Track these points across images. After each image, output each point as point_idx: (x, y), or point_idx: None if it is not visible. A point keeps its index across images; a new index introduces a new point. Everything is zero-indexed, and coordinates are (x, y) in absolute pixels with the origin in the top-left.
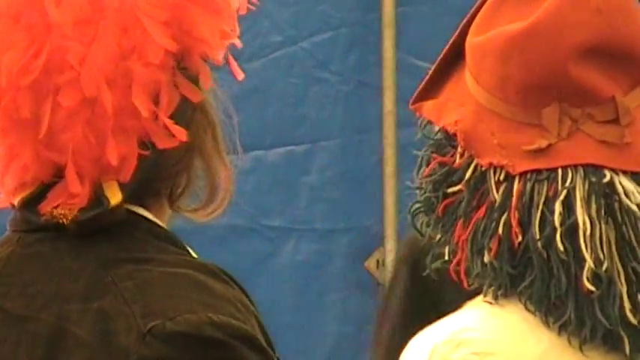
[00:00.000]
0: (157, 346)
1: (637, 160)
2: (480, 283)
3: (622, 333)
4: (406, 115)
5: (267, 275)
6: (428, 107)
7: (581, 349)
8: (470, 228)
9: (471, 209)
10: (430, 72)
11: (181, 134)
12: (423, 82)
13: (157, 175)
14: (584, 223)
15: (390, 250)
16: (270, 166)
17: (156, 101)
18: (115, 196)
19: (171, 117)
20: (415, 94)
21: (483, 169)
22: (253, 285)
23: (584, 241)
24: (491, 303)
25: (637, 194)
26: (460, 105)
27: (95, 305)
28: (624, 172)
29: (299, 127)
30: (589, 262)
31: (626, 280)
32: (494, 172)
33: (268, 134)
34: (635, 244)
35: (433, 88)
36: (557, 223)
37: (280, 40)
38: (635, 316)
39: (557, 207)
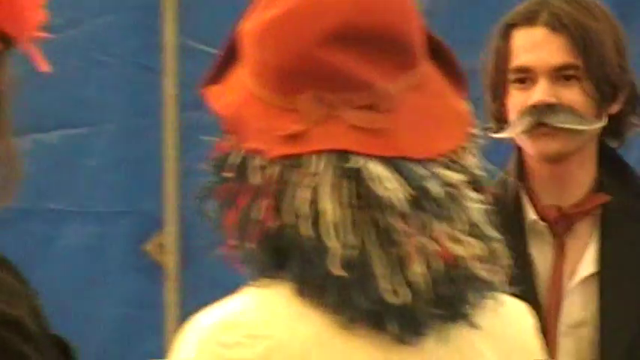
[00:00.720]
0: None
1: (391, 146)
2: (250, 268)
3: (385, 314)
4: (188, 99)
5: (47, 258)
6: (211, 92)
7: (349, 331)
8: (236, 214)
9: (238, 195)
10: (218, 56)
11: None
12: (212, 67)
13: None
14: (327, 210)
15: (170, 234)
16: (51, 148)
17: None
18: None
19: None
20: (205, 79)
21: (247, 154)
22: (33, 269)
23: (328, 227)
24: (262, 287)
25: (388, 180)
26: (234, 90)
27: None
28: (378, 158)
29: (80, 110)
30: (334, 248)
31: (382, 263)
32: (256, 158)
33: (48, 117)
34: (387, 227)
35: (220, 73)
36: (302, 209)
37: (61, 23)
38: (394, 296)
39: (304, 193)
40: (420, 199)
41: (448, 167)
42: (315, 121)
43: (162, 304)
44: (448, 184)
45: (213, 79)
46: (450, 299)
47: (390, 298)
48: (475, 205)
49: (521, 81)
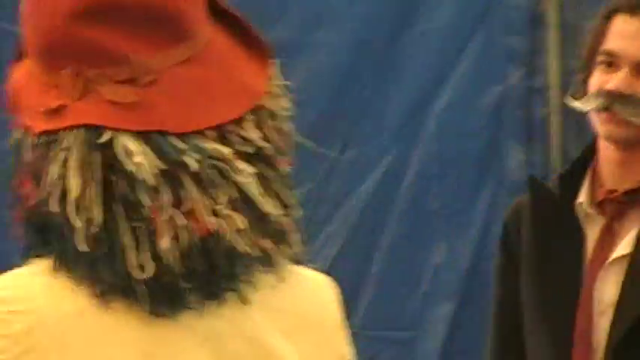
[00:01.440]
0: None
1: (145, 120)
2: (24, 245)
3: (133, 288)
4: None
5: None
6: (14, 69)
7: (107, 306)
8: (18, 192)
9: (18, 173)
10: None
11: None
12: (20, 44)
13: None
14: (72, 186)
15: None
16: None
17: None
18: None
19: None
20: (15, 55)
21: (24, 132)
22: None
23: (72, 204)
24: (30, 264)
25: (137, 154)
26: (23, 67)
27: None
28: (130, 132)
29: None
30: (77, 224)
31: (129, 237)
32: (29, 135)
33: None
34: (135, 201)
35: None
36: (50, 187)
37: None
38: (140, 271)
39: (53, 170)
40: (176, 173)
41: (221, 140)
42: (74, 96)
43: None
44: (214, 157)
45: (20, 56)
46: (208, 273)
47: (136, 273)
48: (247, 179)
49: (608, 64)
